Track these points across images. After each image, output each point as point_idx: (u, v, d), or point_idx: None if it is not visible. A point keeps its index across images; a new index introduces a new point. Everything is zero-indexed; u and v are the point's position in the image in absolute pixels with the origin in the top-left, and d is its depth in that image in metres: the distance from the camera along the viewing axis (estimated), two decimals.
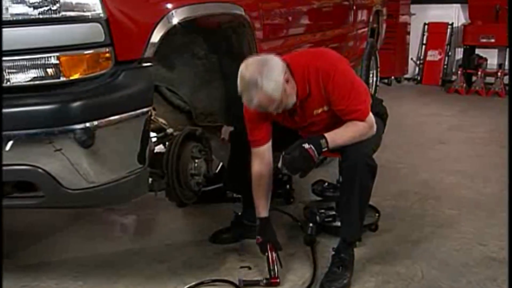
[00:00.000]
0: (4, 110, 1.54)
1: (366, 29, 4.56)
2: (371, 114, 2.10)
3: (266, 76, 1.90)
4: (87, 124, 1.57)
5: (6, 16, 1.52)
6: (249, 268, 2.25)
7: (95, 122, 1.59)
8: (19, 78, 1.57)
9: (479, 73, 6.31)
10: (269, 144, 2.21)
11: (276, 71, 1.94)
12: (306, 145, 2.01)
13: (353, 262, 2.17)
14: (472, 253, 2.37)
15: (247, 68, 1.93)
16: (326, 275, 2.12)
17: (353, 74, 2.15)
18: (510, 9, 4.49)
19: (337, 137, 2.05)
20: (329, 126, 2.11)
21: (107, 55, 1.61)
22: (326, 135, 2.04)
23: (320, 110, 2.12)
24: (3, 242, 2.16)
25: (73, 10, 1.54)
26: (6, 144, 1.55)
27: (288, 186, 2.96)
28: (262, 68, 1.91)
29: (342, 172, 2.16)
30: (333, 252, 2.18)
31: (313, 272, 2.19)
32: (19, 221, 2.77)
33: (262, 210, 2.24)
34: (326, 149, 2.03)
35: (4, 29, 1.52)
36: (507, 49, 6.32)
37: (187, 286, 2.09)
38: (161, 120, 2.23)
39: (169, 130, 2.21)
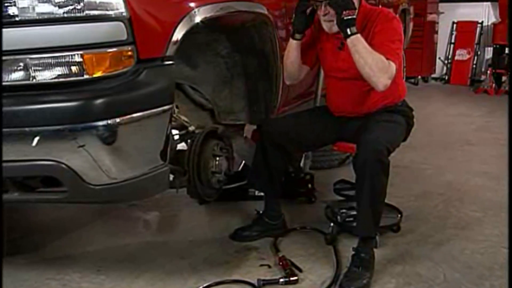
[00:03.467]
0: (30, 107, 1.58)
1: None
2: (395, 70, 2.10)
3: None
4: (109, 121, 1.59)
5: (32, 15, 1.55)
6: (269, 266, 2.25)
7: (117, 119, 1.61)
8: (44, 76, 1.59)
9: (509, 73, 6.18)
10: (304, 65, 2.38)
11: None
12: None
13: (374, 262, 2.15)
14: (496, 256, 2.32)
15: None
16: (345, 274, 2.11)
17: (402, 36, 2.21)
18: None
19: (364, 43, 2.06)
20: (358, 83, 2.18)
21: (130, 53, 1.63)
22: (358, 34, 2.07)
23: None
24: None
25: (96, 9, 1.56)
26: (32, 139, 1.59)
27: (310, 186, 2.95)
28: None
29: (354, 168, 2.15)
30: (353, 252, 2.17)
31: (335, 271, 2.18)
32: (45, 216, 2.84)
33: None
34: (348, 28, 2.05)
35: (30, 28, 1.56)
36: None
37: (207, 284, 2.10)
38: (183, 117, 2.25)
39: (191, 128, 2.23)
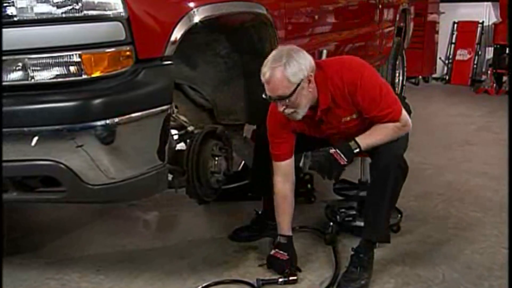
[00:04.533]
0: (29, 107, 1.59)
1: (392, 28, 4.51)
2: (403, 111, 2.07)
3: (293, 59, 1.89)
4: (108, 121, 1.60)
5: (31, 15, 1.56)
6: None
7: (116, 119, 1.62)
8: (43, 76, 1.60)
9: (510, 73, 6.17)
10: (292, 159, 2.19)
11: (304, 63, 1.91)
12: (332, 150, 2.02)
13: (372, 263, 2.14)
14: (496, 256, 2.32)
15: (280, 48, 1.97)
16: (343, 274, 2.11)
17: (379, 78, 2.09)
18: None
19: (370, 139, 2.04)
20: (360, 130, 2.08)
21: (128, 53, 1.64)
22: (357, 138, 2.03)
23: (349, 118, 2.09)
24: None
25: (95, 9, 1.57)
26: (32, 139, 1.59)
27: (309, 186, 2.95)
28: (293, 53, 1.91)
29: (372, 173, 2.13)
30: (352, 252, 2.16)
31: (334, 271, 2.18)
32: (45, 216, 2.84)
33: (287, 227, 2.23)
34: (358, 150, 2.02)
35: (29, 28, 1.57)
36: None
37: (206, 283, 2.10)
38: (182, 118, 2.26)
39: (190, 128, 2.24)
